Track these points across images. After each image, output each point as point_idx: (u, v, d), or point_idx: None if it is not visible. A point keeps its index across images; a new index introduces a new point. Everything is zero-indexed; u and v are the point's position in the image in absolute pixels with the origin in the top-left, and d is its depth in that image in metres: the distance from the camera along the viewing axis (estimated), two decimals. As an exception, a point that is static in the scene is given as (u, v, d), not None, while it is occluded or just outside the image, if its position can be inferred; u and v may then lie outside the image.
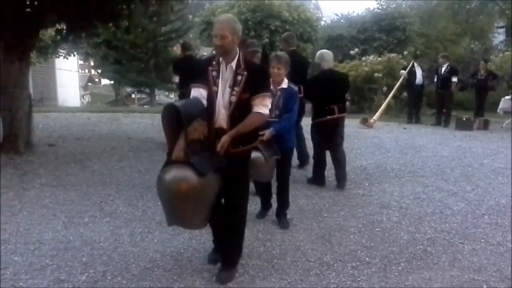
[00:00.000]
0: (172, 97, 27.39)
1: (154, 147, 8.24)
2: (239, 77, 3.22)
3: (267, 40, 16.63)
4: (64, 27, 8.20)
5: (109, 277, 3.48)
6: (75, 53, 19.40)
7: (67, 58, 19.09)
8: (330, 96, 5.67)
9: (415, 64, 12.71)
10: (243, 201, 3.48)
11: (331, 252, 4.00)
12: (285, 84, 4.44)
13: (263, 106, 3.26)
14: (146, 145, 8.43)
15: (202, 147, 3.12)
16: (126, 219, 4.71)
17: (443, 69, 12.12)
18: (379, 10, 20.42)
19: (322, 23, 21.35)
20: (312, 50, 17.22)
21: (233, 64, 3.25)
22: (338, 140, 5.94)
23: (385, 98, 13.21)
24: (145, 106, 23.98)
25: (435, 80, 12.69)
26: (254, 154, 3.98)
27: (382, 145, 8.85)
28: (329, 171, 6.60)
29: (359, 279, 3.56)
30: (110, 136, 9.42)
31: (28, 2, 7.37)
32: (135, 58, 19.75)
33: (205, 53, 25.92)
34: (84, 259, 3.79)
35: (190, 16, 21.86)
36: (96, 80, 34.44)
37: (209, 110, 3.24)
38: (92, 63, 25.70)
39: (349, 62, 16.51)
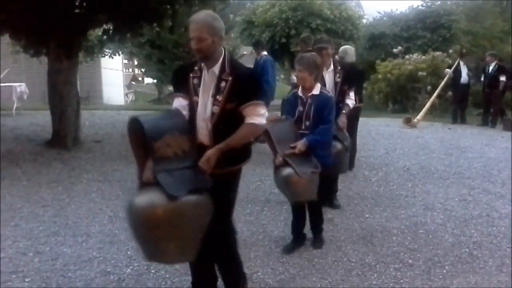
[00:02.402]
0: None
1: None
2: (222, 84, 2.72)
3: (308, 38, 16.51)
4: (111, 27, 8.44)
5: (152, 271, 3.56)
6: (120, 52, 19.90)
7: (112, 58, 19.60)
8: None
9: (461, 63, 12.35)
10: (228, 231, 2.96)
11: (373, 253, 3.95)
12: (316, 90, 3.82)
13: (257, 116, 2.72)
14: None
15: (181, 164, 2.60)
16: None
17: (491, 68, 11.75)
18: (423, 8, 19.93)
19: (364, 21, 21.00)
20: (354, 49, 16.97)
21: (216, 69, 2.74)
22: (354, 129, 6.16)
23: (429, 98, 12.91)
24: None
25: (482, 79, 12.30)
26: (285, 171, 3.61)
27: (426, 146, 8.64)
28: (371, 172, 6.53)
29: (402, 281, 3.50)
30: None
31: (77, 3, 7.62)
32: (178, 57, 20.00)
33: (245, 52, 26.05)
34: (129, 252, 3.90)
35: (231, 16, 21.98)
36: (140, 79, 35.19)
37: (191, 123, 2.79)
38: (136, 62, 26.30)
39: (391, 60, 16.20)
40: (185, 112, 2.80)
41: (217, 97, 2.71)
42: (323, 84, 4.57)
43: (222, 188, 2.74)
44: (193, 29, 2.65)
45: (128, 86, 29.15)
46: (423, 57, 15.50)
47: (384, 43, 18.99)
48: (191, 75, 2.82)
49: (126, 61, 29.66)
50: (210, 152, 2.63)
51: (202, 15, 2.70)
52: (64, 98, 7.65)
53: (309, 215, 4.11)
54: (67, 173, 6.37)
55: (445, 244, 4.18)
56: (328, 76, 4.87)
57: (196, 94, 2.78)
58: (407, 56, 15.99)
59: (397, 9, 21.77)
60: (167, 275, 3.51)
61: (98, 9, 7.46)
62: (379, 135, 9.60)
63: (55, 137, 7.80)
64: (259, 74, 7.78)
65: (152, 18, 8.10)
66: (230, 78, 2.71)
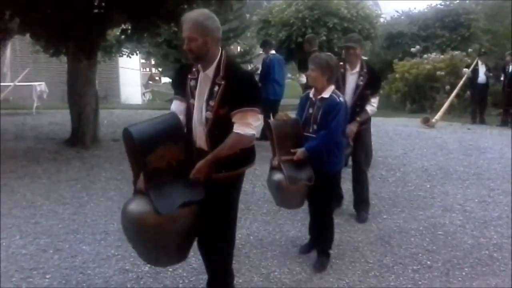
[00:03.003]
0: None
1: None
2: (215, 88, 2.58)
3: (324, 37, 16.45)
4: (129, 27, 8.52)
5: (170, 269, 3.58)
6: (137, 52, 20.06)
7: (130, 57, 19.78)
8: None
9: (479, 62, 12.18)
10: (221, 241, 2.80)
11: (391, 254, 3.93)
12: (327, 92, 3.56)
13: (244, 125, 2.54)
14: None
15: (175, 175, 2.55)
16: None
17: (511, 67, 11.55)
18: (442, 6, 19.70)
19: (382, 20, 20.83)
20: (371, 48, 16.89)
21: (210, 71, 2.61)
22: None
23: (448, 97, 12.75)
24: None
25: (502, 78, 12.10)
26: (277, 176, 3.53)
27: (445, 146, 8.54)
28: (388, 172, 6.49)
29: (420, 282, 3.47)
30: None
31: (96, 3, 7.71)
32: (194, 57, 20.18)
33: (261, 52, 26.00)
34: (147, 250, 3.92)
35: (247, 15, 21.99)
36: (157, 78, 35.43)
37: (188, 127, 2.72)
38: (153, 62, 26.47)
39: (409, 59, 16.05)
40: (182, 116, 2.71)
41: (210, 102, 2.59)
42: (343, 86, 4.48)
43: (220, 191, 2.65)
44: (184, 28, 2.55)
45: (145, 86, 29.40)
46: (442, 56, 15.33)
47: (402, 42, 18.83)
48: (189, 76, 2.71)
49: (143, 61, 29.89)
50: (200, 164, 2.55)
51: (193, 14, 2.57)
52: (83, 97, 7.75)
53: (320, 226, 3.84)
54: (86, 171, 6.45)
55: (464, 246, 4.13)
56: (352, 77, 4.55)
57: (193, 97, 2.68)
58: (425, 56, 15.84)
59: (415, 8, 21.54)
60: (185, 274, 3.54)
61: (116, 9, 7.54)
62: (396, 135, 9.51)
63: (74, 136, 7.91)
64: (267, 73, 8.00)
65: (169, 17, 8.15)
66: (223, 82, 2.57)
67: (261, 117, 2.62)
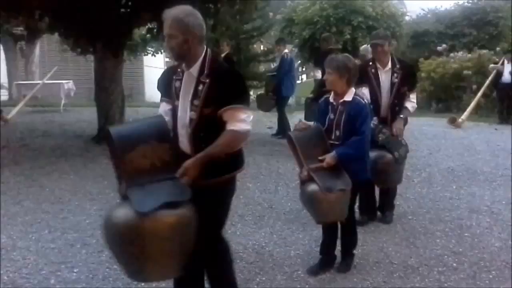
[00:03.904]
0: (252, 94, 27.80)
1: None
2: (200, 87, 2.47)
3: (348, 36, 16.34)
4: (155, 26, 8.62)
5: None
6: (162, 50, 20.26)
7: (154, 56, 20.01)
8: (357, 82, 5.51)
9: (505, 61, 11.93)
10: (211, 253, 2.64)
11: (416, 256, 3.89)
12: (349, 95, 3.37)
13: (238, 122, 2.43)
14: (228, 140, 8.63)
15: (160, 176, 2.39)
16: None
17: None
18: (469, 4, 19.33)
19: (407, 18, 20.57)
20: (396, 47, 16.65)
21: (194, 70, 2.50)
22: None
23: (475, 97, 12.51)
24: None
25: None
26: (310, 188, 3.27)
27: (472, 146, 8.39)
28: (414, 173, 6.41)
29: (445, 285, 3.43)
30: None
31: (123, 3, 7.83)
32: (218, 56, 20.33)
33: (286, 50, 25.99)
34: (171, 247, 3.97)
35: (271, 14, 21.99)
36: (180, 76, 35.81)
37: (174, 130, 2.60)
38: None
39: (435, 58, 15.81)
40: (168, 118, 2.60)
41: (194, 101, 2.48)
42: (378, 85, 4.32)
43: (207, 200, 2.47)
44: (164, 25, 2.47)
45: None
46: (469, 55, 15.06)
47: (428, 41, 18.55)
48: (174, 77, 2.60)
49: (167, 59, 30.12)
50: (188, 163, 2.38)
51: (174, 11, 2.44)
52: (110, 95, 7.89)
53: (341, 236, 3.62)
54: (112, 168, 6.54)
55: (492, 248, 4.06)
56: (385, 76, 4.35)
57: (178, 98, 2.57)
58: (451, 54, 15.58)
59: (441, 6, 21.20)
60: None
61: (143, 8, 7.63)
62: (422, 135, 9.39)
63: (100, 133, 8.05)
64: (288, 70, 8.53)
65: (195, 17, 8.22)
66: (207, 80, 2.46)
67: (250, 113, 2.52)
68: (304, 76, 26.52)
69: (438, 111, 14.39)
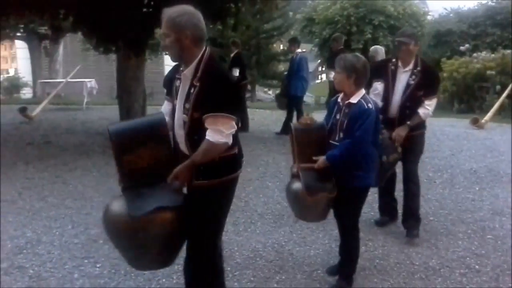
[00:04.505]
0: (271, 93, 27.79)
1: (255, 141, 8.44)
2: (192, 90, 2.43)
3: (369, 36, 16.23)
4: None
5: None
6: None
7: (175, 55, 20.19)
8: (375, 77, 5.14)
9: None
10: (199, 254, 2.62)
11: (437, 257, 3.85)
12: (356, 97, 3.19)
13: (214, 132, 2.36)
14: (247, 139, 8.64)
15: (155, 177, 2.43)
16: (230, 209, 4.89)
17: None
18: (493, 4, 18.99)
19: (429, 17, 20.33)
20: (420, 46, 16.47)
21: (188, 72, 2.46)
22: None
23: (498, 98, 12.29)
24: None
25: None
26: (295, 185, 3.25)
27: (495, 148, 8.24)
28: (435, 174, 6.35)
29: (467, 287, 3.40)
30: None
31: (145, 2, 7.91)
32: (239, 55, 20.37)
33: (304, 50, 25.92)
34: (192, 244, 4.01)
35: (291, 13, 21.97)
36: (200, 75, 35.98)
37: (173, 130, 2.60)
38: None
39: (458, 58, 15.57)
40: (168, 118, 2.59)
41: (186, 104, 2.45)
42: (392, 84, 4.08)
43: (199, 200, 2.49)
44: (162, 24, 2.45)
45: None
46: (492, 55, 14.78)
47: (450, 41, 18.29)
48: (176, 76, 2.58)
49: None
50: (178, 168, 2.41)
51: (169, 10, 2.43)
52: (132, 94, 7.99)
53: (343, 245, 3.43)
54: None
55: (515, 251, 4.00)
56: (403, 76, 4.09)
57: (177, 97, 2.55)
58: (474, 54, 15.32)
59: (464, 6, 20.94)
60: (228, 268, 3.58)
61: (165, 7, 7.70)
62: (444, 135, 9.27)
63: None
64: (297, 70, 8.56)
65: (216, 16, 8.27)
66: (198, 84, 2.41)
67: (234, 124, 2.41)
68: (323, 76, 26.45)
69: (460, 112, 14.17)
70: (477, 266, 3.69)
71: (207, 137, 2.37)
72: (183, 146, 2.54)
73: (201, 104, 2.39)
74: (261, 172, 6.36)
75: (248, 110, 13.69)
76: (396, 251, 3.95)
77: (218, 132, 2.36)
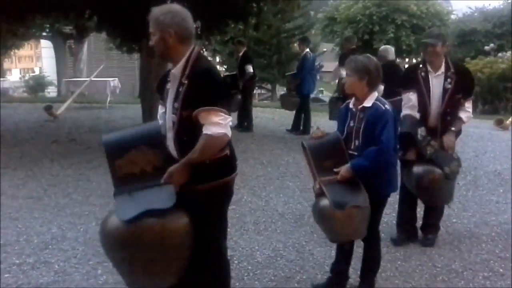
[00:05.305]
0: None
1: (275, 140, 8.46)
2: (180, 88, 2.38)
3: (392, 35, 16.09)
4: (199, 25, 8.76)
5: (235, 262, 3.67)
6: (204, 49, 20.57)
7: (196, 55, 20.32)
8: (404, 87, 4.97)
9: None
10: (199, 262, 2.48)
11: (460, 260, 3.81)
12: (369, 101, 3.00)
13: (211, 125, 2.30)
14: (268, 139, 8.68)
15: (150, 182, 2.33)
16: (250, 208, 4.93)
17: None
18: (520, 2, 18.65)
19: (453, 17, 20.06)
20: (449, 47, 16.28)
21: (177, 70, 2.42)
22: None
23: (524, 98, 12.08)
24: (265, 101, 24.62)
25: None
26: (321, 203, 2.98)
27: (520, 149, 8.10)
28: (459, 175, 6.26)
29: (491, 290, 3.35)
30: (234, 129, 9.87)
31: (169, 2, 7.99)
32: (259, 55, 20.34)
33: (325, 49, 25.79)
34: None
35: (312, 13, 21.92)
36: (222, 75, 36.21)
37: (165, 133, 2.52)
38: (218, 59, 27.03)
39: (482, 58, 15.35)
40: (161, 122, 2.53)
41: (175, 104, 2.40)
42: (427, 91, 3.84)
43: (196, 206, 2.38)
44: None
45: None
46: (518, 55, 14.55)
47: (474, 40, 18.06)
48: (168, 78, 2.52)
49: (209, 58, 30.52)
50: (172, 168, 2.32)
51: (155, 9, 2.41)
52: (154, 93, 8.03)
53: (363, 253, 3.29)
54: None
55: (541, 255, 3.92)
56: (436, 81, 3.85)
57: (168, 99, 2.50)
58: (499, 54, 15.12)
59: (489, 4, 20.58)
60: (249, 267, 3.62)
61: (187, 8, 7.77)
62: (467, 136, 9.11)
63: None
64: (309, 69, 8.86)
65: (238, 16, 8.30)
66: (186, 81, 2.37)
67: (227, 116, 2.35)
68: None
69: (484, 113, 13.96)
70: (501, 270, 3.63)
71: (204, 131, 2.31)
72: (171, 149, 2.45)
73: (191, 101, 2.34)
74: (281, 171, 6.37)
75: (268, 109, 13.79)
76: (418, 253, 3.91)
77: (215, 124, 2.30)
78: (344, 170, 2.94)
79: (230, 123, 2.37)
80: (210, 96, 2.32)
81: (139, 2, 7.22)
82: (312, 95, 10.66)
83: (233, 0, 7.57)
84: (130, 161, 2.36)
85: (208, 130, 2.30)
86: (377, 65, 3.04)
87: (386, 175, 3.06)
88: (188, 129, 2.36)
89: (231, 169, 2.53)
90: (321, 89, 25.48)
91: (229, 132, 2.35)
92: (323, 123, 8.68)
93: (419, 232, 4.19)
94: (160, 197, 2.27)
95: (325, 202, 2.92)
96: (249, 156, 7.25)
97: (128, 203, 2.28)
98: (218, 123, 2.30)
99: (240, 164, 7.07)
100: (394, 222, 4.42)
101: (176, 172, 2.32)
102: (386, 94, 4.66)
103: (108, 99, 12.97)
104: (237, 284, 3.38)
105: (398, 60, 7.01)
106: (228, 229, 4.24)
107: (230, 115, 2.37)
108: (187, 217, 2.34)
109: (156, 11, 2.39)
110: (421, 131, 3.76)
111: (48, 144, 7.90)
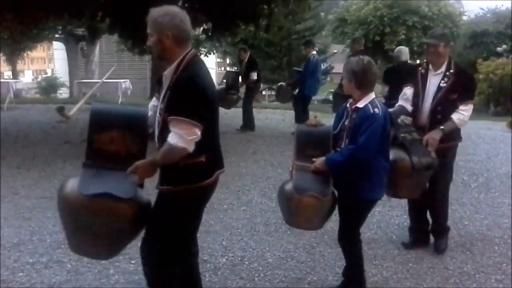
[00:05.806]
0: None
1: (286, 142, 8.45)
2: (168, 92, 2.42)
3: (403, 36, 16.03)
4: (210, 27, 8.80)
5: (246, 262, 3.70)
6: (214, 51, 20.66)
7: (207, 56, 20.39)
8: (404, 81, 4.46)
9: None
10: (156, 257, 2.56)
11: (472, 262, 3.78)
12: (362, 102, 2.99)
13: (176, 136, 2.31)
14: (278, 140, 8.68)
15: (120, 165, 2.38)
16: (261, 209, 4.94)
17: None
18: (534, 3, 18.48)
19: (465, 18, 19.92)
20: (453, 47, 16.15)
21: (168, 72, 2.44)
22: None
23: (537, 100, 11.96)
24: (275, 103, 24.61)
25: None
26: (287, 185, 3.05)
27: (533, 152, 8.01)
28: (470, 177, 6.22)
29: (504, 293, 3.32)
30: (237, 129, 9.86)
31: (180, 4, 8.04)
32: (270, 56, 20.40)
33: (335, 50, 25.73)
34: (224, 243, 4.07)
35: (322, 14, 21.91)
36: (231, 77, 36.28)
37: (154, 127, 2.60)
38: (228, 61, 27.14)
39: (494, 59, 15.24)
40: (151, 113, 2.60)
41: (161, 104, 2.45)
42: (422, 88, 3.80)
43: (161, 205, 2.51)
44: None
45: (220, 84, 30.18)
46: (531, 56, 14.41)
47: (486, 41, 17.94)
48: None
49: (219, 60, 30.62)
50: (139, 163, 2.37)
51: (153, 10, 2.45)
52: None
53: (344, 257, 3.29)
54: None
55: (555, 258, 3.88)
56: (434, 79, 3.78)
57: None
58: (512, 55, 14.96)
59: (502, 5, 20.39)
60: (260, 268, 3.63)
61: (198, 10, 7.81)
62: (479, 138, 9.06)
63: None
64: (313, 71, 8.78)
65: (249, 18, 8.33)
66: (171, 85, 2.40)
67: (197, 131, 2.33)
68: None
69: (496, 114, 13.85)
70: (514, 273, 3.61)
71: (168, 139, 2.33)
72: (157, 145, 2.51)
73: (171, 107, 2.37)
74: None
75: (279, 111, 13.79)
76: (429, 255, 3.89)
77: (179, 136, 2.31)
78: (318, 162, 2.98)
79: (196, 139, 2.34)
80: (185, 107, 2.32)
81: (151, 4, 7.30)
82: (322, 97, 10.80)
83: (243, 2, 7.59)
84: (109, 139, 2.43)
85: (171, 139, 2.32)
86: (366, 67, 2.97)
87: (368, 179, 3.00)
88: (170, 131, 2.39)
89: (206, 176, 2.51)
90: (331, 90, 25.43)
91: (190, 148, 2.33)
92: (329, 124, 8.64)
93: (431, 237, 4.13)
94: (123, 185, 2.34)
95: (290, 184, 3.01)
96: (260, 157, 7.27)
97: (92, 179, 2.37)
98: (181, 136, 2.31)
99: (251, 166, 7.17)
100: (405, 224, 4.41)
101: (141, 167, 2.37)
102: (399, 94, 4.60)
103: (120, 100, 13.04)
104: (248, 285, 3.40)
105: (409, 61, 7.00)
106: (239, 230, 4.33)
107: (200, 128, 2.34)
108: (138, 209, 2.42)
109: (154, 13, 2.43)
110: (404, 119, 3.68)
111: (60, 145, 7.99)
